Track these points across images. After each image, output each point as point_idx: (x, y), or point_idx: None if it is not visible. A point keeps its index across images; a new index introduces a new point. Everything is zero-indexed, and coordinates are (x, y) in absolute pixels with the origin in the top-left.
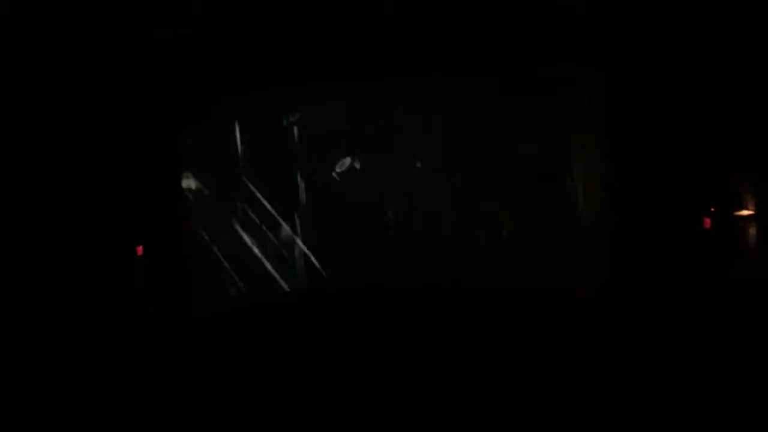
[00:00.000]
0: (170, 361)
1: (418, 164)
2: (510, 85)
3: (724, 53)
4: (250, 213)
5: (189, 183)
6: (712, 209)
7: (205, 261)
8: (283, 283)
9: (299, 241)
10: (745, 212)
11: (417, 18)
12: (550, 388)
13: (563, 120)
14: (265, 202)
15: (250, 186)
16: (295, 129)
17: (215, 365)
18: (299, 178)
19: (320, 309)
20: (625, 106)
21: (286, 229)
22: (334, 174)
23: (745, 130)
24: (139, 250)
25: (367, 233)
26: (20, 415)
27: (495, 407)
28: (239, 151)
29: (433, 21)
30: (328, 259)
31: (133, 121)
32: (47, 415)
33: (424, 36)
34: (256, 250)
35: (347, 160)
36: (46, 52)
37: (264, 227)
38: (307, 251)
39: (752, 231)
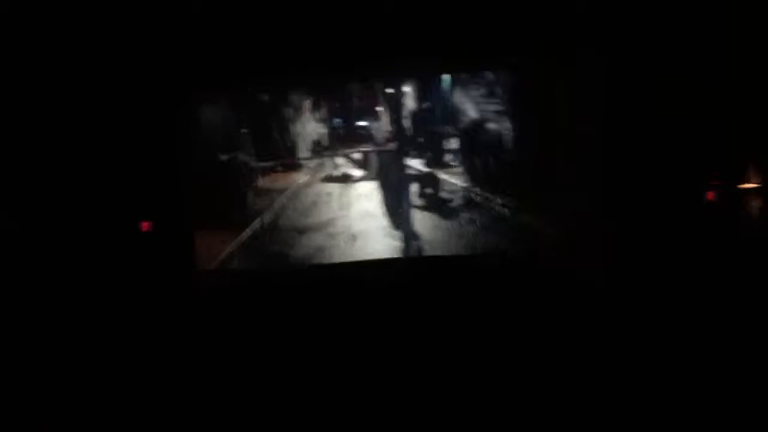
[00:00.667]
0: (177, 340)
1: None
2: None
3: (729, 26)
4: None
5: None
6: (716, 183)
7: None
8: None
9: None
10: (749, 185)
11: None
12: (554, 373)
13: (563, 95)
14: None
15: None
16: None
17: (222, 342)
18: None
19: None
20: (625, 78)
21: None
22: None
23: (748, 103)
24: (144, 226)
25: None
26: (26, 395)
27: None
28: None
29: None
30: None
31: (132, 98)
32: (55, 396)
33: (418, 19)
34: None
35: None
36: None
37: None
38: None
39: (757, 204)
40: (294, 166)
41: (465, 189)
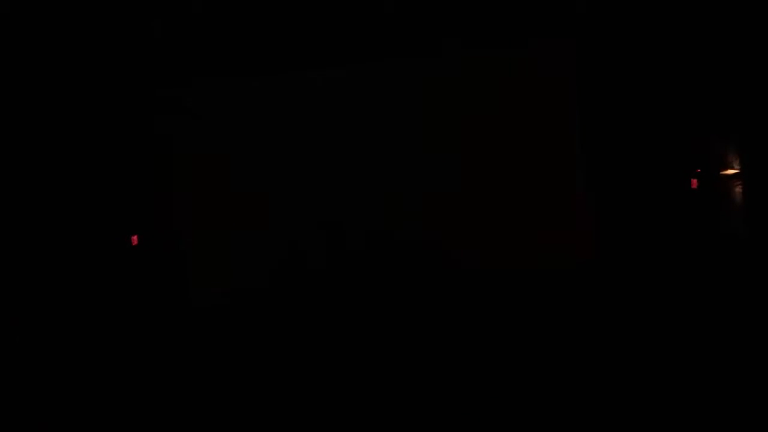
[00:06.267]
0: (169, 356)
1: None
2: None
3: (707, 11)
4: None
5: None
6: (699, 170)
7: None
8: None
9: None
10: (730, 171)
11: None
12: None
13: (540, 87)
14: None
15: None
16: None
17: (215, 359)
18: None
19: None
20: (603, 67)
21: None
22: None
23: (727, 89)
24: (134, 239)
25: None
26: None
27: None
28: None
29: None
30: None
31: (121, 109)
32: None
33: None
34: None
35: None
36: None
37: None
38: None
39: (738, 189)
40: None
41: None
